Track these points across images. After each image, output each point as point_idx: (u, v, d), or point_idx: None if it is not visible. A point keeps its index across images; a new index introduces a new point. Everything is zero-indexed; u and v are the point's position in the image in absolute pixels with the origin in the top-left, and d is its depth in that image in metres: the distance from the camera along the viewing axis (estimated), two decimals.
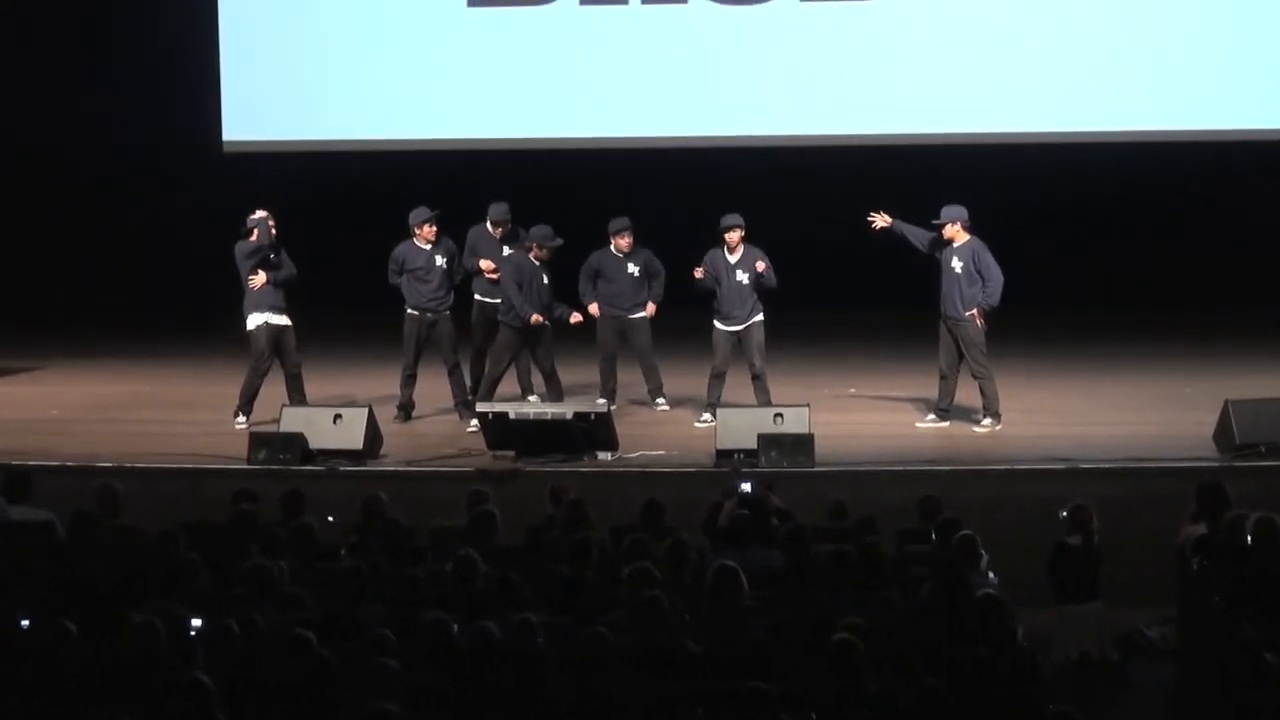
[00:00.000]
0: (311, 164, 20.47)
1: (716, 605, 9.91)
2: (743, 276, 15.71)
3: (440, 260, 16.02)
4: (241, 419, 15.79)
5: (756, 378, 15.73)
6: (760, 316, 15.74)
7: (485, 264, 16.17)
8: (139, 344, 16.39)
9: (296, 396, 15.83)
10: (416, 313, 16.03)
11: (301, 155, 20.43)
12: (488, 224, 16.31)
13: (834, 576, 10.50)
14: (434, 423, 16.17)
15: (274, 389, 15.87)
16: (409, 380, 16.09)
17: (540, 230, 15.78)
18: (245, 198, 16.31)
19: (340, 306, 19.05)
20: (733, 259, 15.75)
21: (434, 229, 16.02)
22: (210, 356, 16.05)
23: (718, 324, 15.78)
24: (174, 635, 9.27)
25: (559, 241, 15.75)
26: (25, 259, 21.36)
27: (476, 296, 16.34)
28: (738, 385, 15.94)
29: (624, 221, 16.13)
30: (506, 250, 16.16)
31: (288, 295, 15.89)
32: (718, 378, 15.76)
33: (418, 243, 16.01)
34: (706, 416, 15.61)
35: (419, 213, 16.04)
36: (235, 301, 16.06)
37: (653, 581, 10.09)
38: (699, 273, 15.77)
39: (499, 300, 15.96)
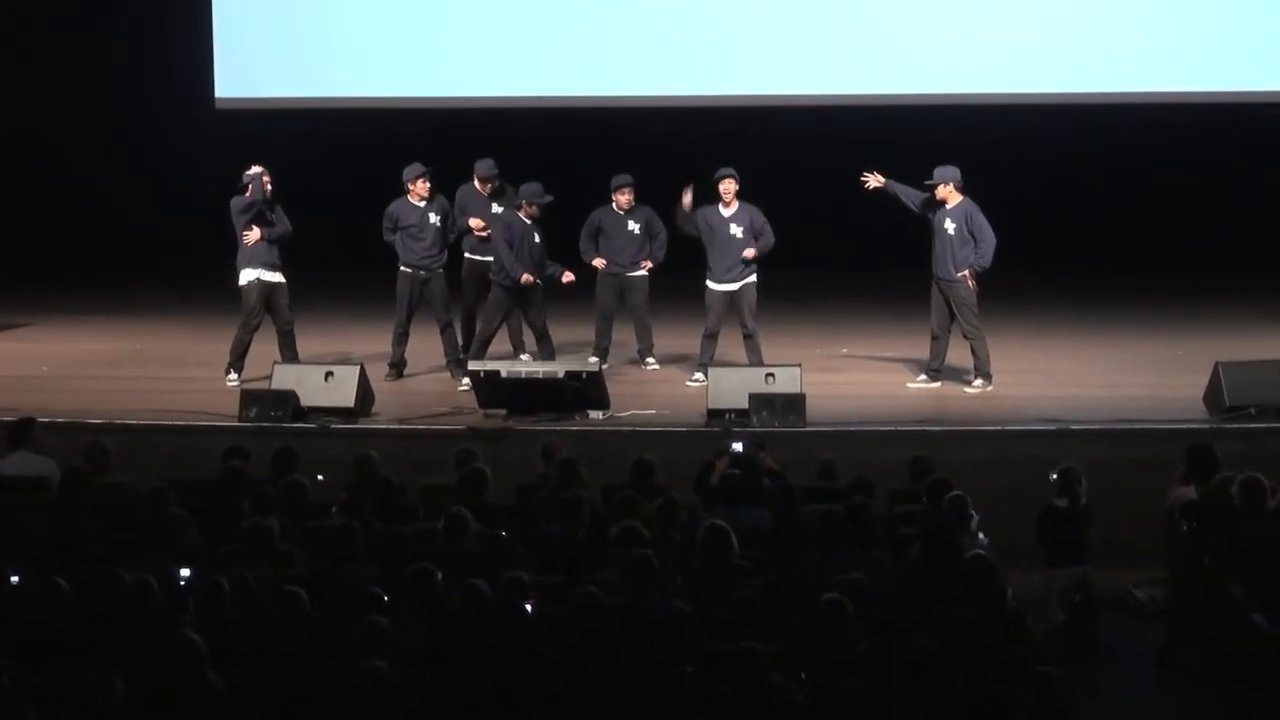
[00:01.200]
0: (304, 121, 20.40)
1: (707, 564, 9.94)
2: (736, 230, 15.66)
3: (434, 218, 15.96)
4: (233, 376, 15.76)
5: (748, 337, 15.71)
6: (753, 277, 15.70)
7: (475, 222, 16.11)
8: (130, 301, 16.34)
9: (288, 354, 15.79)
10: (409, 270, 15.98)
11: (294, 113, 20.36)
12: (475, 181, 16.26)
13: (821, 536, 10.54)
14: (425, 381, 16.14)
15: (266, 346, 15.84)
16: (401, 338, 16.06)
17: (530, 187, 15.69)
18: (238, 155, 16.24)
19: (333, 264, 19.03)
20: (727, 213, 15.69)
21: (427, 185, 15.94)
22: (202, 314, 16.01)
23: (711, 284, 15.73)
24: (164, 593, 9.29)
25: (549, 198, 15.65)
26: (16, 215, 21.31)
27: (466, 254, 16.30)
28: (730, 345, 15.93)
29: (625, 178, 16.03)
30: (496, 208, 16.11)
31: (282, 252, 15.84)
32: (710, 338, 15.72)
33: (411, 200, 15.95)
34: (699, 376, 15.59)
35: (412, 169, 15.97)
36: (227, 259, 16.03)
37: (643, 540, 10.13)
38: (687, 199, 15.63)
39: (490, 258, 15.92)
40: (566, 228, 16.11)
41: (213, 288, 16.03)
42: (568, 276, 15.70)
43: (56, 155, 21.43)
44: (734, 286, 15.68)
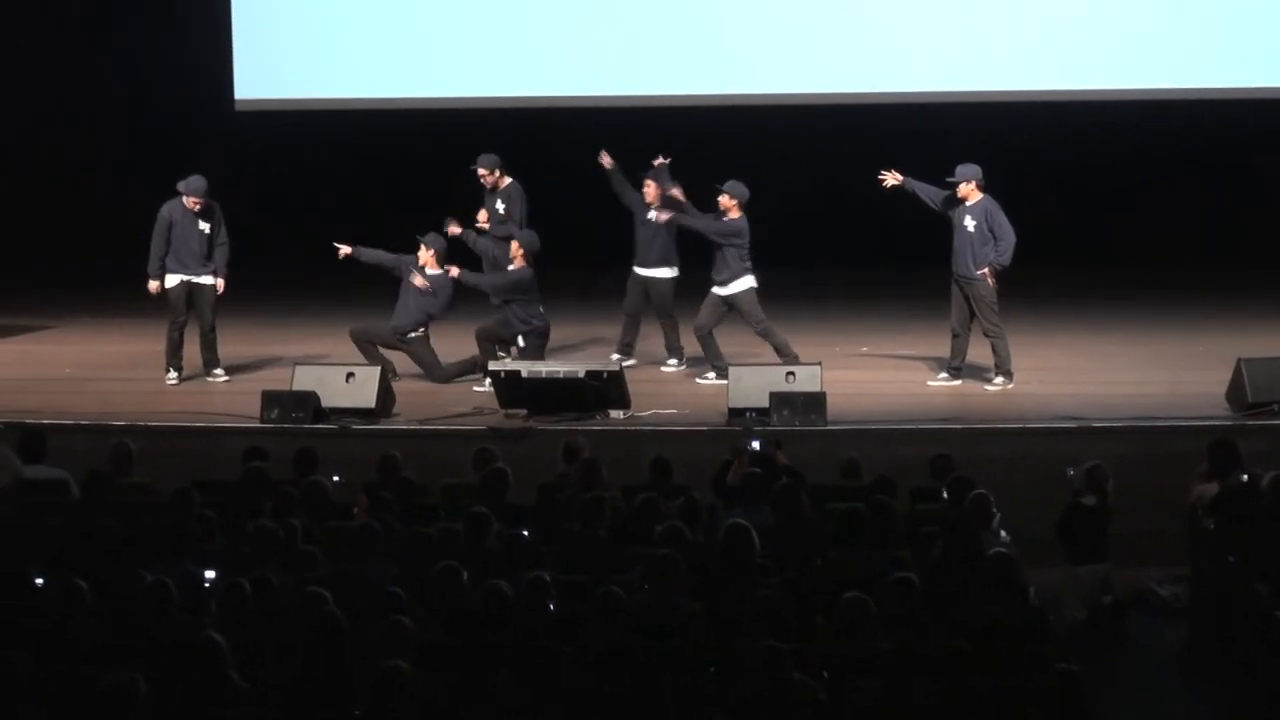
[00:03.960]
0: (324, 122, 20.40)
1: (728, 563, 9.93)
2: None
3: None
4: (171, 374, 15.97)
5: (764, 334, 15.70)
6: (744, 284, 15.64)
7: (480, 216, 16.20)
8: (151, 303, 16.31)
9: (206, 355, 16.05)
10: None
11: (315, 114, 20.36)
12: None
13: (819, 535, 10.54)
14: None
15: (288, 348, 15.78)
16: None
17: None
18: (259, 156, 16.26)
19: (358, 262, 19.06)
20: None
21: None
22: (222, 316, 16.00)
23: (714, 289, 15.76)
24: (187, 593, 9.30)
25: None
26: (39, 218, 21.34)
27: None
28: (754, 343, 15.91)
29: (651, 172, 16.03)
30: (500, 204, 16.15)
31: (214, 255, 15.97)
32: (708, 337, 15.72)
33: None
34: (710, 375, 15.59)
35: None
36: (245, 261, 16.17)
37: (664, 540, 10.12)
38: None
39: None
40: (574, 227, 16.05)
41: (232, 289, 16.03)
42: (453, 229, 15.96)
43: (77, 158, 21.46)
44: (726, 292, 15.66)
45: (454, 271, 15.70)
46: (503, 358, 15.57)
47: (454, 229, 16.03)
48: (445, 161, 16.03)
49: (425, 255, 15.84)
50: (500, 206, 16.20)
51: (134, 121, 21.36)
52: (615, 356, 16.01)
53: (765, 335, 15.71)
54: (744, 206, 15.57)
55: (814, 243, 16.05)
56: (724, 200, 15.56)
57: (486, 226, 16.13)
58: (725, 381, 14.78)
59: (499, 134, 17.94)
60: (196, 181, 15.86)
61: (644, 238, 16.01)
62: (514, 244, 15.74)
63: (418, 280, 15.71)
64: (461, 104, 20.08)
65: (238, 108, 20.44)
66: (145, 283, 15.96)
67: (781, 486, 11.19)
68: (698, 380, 15.75)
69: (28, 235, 21.20)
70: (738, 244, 15.55)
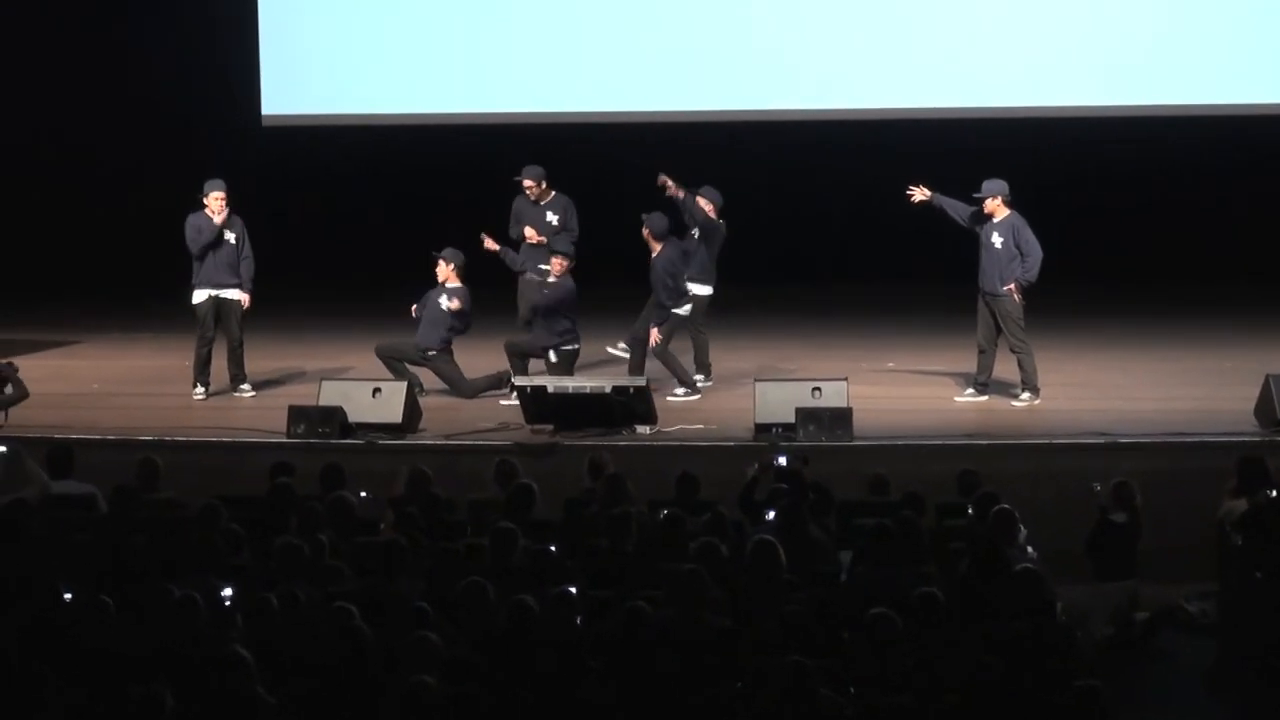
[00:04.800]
0: (350, 137, 20.48)
1: (755, 579, 9.91)
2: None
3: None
4: (199, 389, 16.02)
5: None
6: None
7: (529, 232, 16.16)
8: (178, 318, 16.35)
9: (233, 369, 16.08)
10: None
11: (340, 129, 20.44)
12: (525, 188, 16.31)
13: (821, 551, 10.50)
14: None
15: (317, 363, 15.77)
16: None
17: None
18: (285, 173, 16.28)
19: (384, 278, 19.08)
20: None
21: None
22: (249, 331, 16.01)
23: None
24: (213, 608, 9.31)
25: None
26: (67, 233, 21.39)
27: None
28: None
29: (705, 190, 16.04)
30: (551, 215, 16.15)
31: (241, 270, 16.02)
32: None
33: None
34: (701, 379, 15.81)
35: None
36: (272, 275, 16.24)
37: (698, 556, 10.10)
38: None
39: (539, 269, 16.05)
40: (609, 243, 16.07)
41: (258, 303, 16.06)
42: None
43: (105, 172, 21.52)
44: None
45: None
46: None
47: (490, 245, 16.02)
48: (467, 175, 16.01)
49: (445, 270, 15.84)
50: (553, 218, 16.20)
51: (162, 137, 21.37)
52: (698, 378, 16.05)
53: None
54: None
55: (840, 258, 15.99)
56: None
57: (537, 240, 16.12)
58: (696, 396, 15.07)
59: (521, 148, 17.94)
60: (216, 182, 15.86)
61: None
62: (556, 258, 15.73)
63: (448, 303, 15.66)
64: (488, 119, 20.10)
65: (264, 123, 20.54)
66: (174, 296, 15.97)
67: (785, 504, 11.19)
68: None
69: (56, 249, 21.25)
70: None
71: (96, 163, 21.48)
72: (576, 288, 15.66)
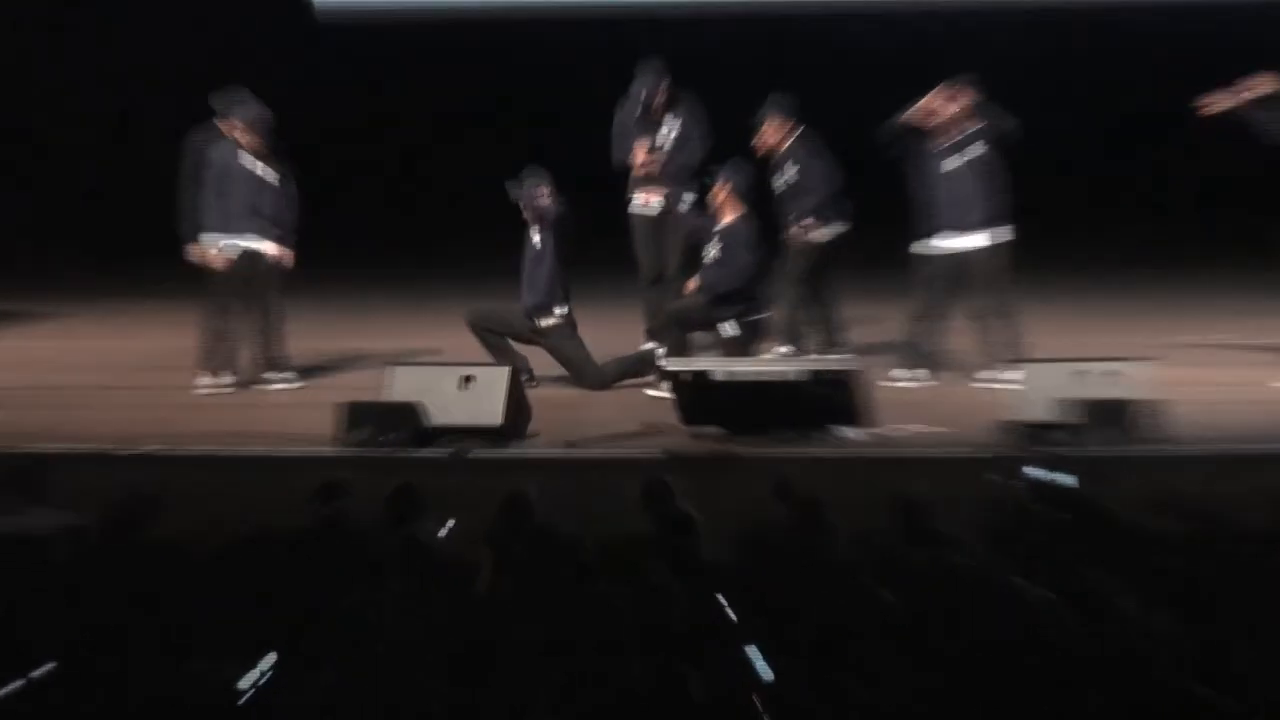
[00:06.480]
0: (414, 36, 21.71)
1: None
2: None
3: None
4: (213, 380, 16.48)
5: None
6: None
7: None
8: (191, 283, 16.56)
9: (266, 351, 16.63)
10: None
11: (404, 25, 21.78)
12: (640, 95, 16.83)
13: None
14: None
15: (349, 342, 15.76)
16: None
17: None
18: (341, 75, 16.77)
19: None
20: None
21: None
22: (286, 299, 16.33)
23: None
24: (231, 696, 9.18)
25: None
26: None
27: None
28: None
29: None
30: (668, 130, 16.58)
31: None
32: None
33: None
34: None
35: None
36: (318, 218, 16.78)
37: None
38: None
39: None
40: None
41: (299, 260, 16.24)
42: None
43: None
44: None
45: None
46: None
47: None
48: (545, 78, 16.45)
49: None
50: (668, 132, 16.64)
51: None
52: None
53: None
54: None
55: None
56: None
57: (649, 162, 16.47)
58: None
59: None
60: (249, 105, 15.96)
61: None
62: (719, 185, 16.07)
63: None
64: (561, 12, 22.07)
65: (318, 17, 21.82)
66: (181, 251, 16.20)
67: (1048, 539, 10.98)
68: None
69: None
70: None
71: None
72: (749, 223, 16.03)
